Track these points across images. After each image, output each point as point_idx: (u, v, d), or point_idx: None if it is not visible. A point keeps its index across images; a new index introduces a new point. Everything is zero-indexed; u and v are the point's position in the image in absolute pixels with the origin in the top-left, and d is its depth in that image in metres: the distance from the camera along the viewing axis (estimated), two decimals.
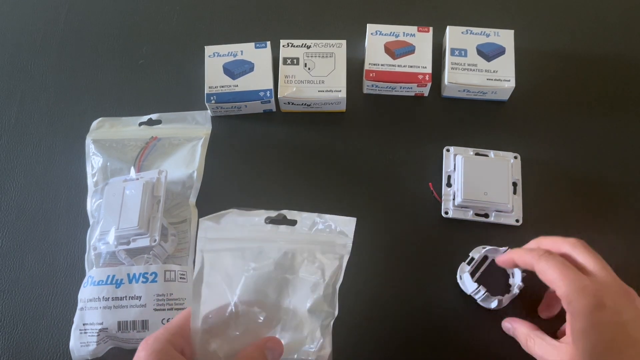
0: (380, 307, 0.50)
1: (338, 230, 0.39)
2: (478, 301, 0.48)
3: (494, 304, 0.48)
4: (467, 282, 0.49)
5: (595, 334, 0.37)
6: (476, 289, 0.48)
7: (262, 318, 0.38)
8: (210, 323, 0.37)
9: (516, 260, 0.44)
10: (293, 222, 0.40)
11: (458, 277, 0.50)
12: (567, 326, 0.39)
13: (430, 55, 0.57)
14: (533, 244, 0.45)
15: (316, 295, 0.39)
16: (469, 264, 0.49)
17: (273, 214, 0.39)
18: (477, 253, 0.50)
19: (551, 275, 0.40)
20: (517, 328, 0.45)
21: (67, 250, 0.52)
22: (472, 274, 0.49)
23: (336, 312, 0.39)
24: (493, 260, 0.49)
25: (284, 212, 0.39)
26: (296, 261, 0.39)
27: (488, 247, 0.49)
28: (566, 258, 0.41)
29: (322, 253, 0.39)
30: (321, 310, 0.39)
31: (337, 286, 0.40)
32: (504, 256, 0.46)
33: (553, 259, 0.40)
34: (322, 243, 0.39)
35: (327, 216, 0.40)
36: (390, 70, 0.56)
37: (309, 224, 0.39)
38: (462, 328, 0.49)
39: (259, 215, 0.39)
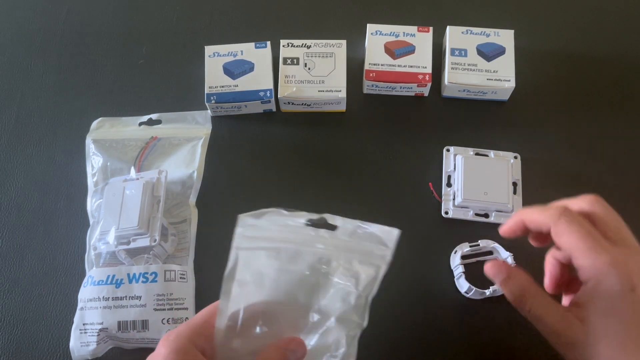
0: (378, 307, 0.50)
1: (378, 240, 0.38)
2: (455, 279, 0.49)
3: (464, 287, 0.48)
4: (457, 257, 0.50)
5: (625, 320, 0.32)
6: (458, 264, 0.49)
7: (289, 320, 0.37)
8: (235, 321, 0.36)
9: (527, 221, 0.37)
10: (333, 227, 0.38)
11: (454, 251, 0.50)
12: (583, 302, 0.34)
13: (430, 55, 0.57)
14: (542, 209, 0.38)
15: (347, 304, 0.37)
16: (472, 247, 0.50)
17: (315, 216, 0.38)
18: (484, 242, 0.50)
19: (573, 241, 0.34)
20: (514, 277, 0.37)
21: (67, 250, 0.52)
22: (468, 257, 0.50)
23: (365, 324, 0.38)
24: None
25: (326, 216, 0.38)
26: (331, 267, 0.37)
27: (496, 245, 0.50)
28: (585, 218, 0.36)
29: (358, 262, 0.37)
30: (350, 320, 0.38)
31: (370, 297, 0.38)
32: (510, 222, 0.39)
33: (577, 222, 0.35)
34: (360, 252, 0.38)
35: (369, 225, 0.38)
36: (390, 70, 0.56)
37: (349, 231, 0.38)
38: (462, 328, 0.49)
39: (300, 217, 0.37)
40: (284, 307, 0.37)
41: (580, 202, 0.37)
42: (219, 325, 0.35)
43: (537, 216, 0.37)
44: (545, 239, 0.39)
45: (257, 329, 0.36)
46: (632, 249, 0.34)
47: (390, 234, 0.38)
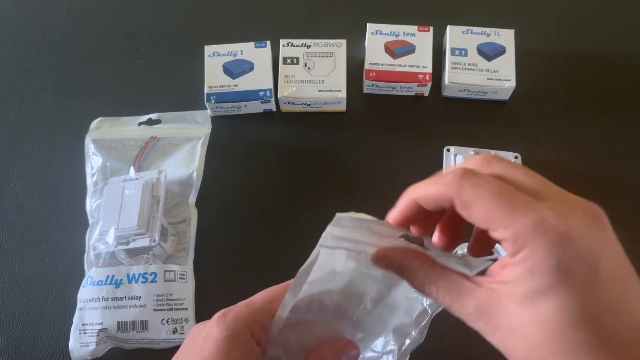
0: None
1: (465, 262, 0.35)
2: None
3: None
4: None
5: (572, 298, 0.23)
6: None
7: (348, 320, 0.36)
8: (296, 315, 0.33)
9: (421, 198, 0.28)
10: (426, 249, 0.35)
11: (454, 251, 0.50)
12: (508, 279, 0.25)
13: (431, 54, 0.57)
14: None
15: (409, 316, 0.37)
16: None
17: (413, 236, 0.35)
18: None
19: (487, 208, 0.25)
20: (407, 263, 0.29)
21: (66, 250, 0.52)
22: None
23: (422, 340, 0.37)
24: None
25: (426, 238, 0.35)
26: None
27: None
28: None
29: None
30: (406, 333, 0.37)
31: (433, 314, 0.37)
32: (400, 204, 0.30)
33: (485, 182, 0.25)
34: None
35: (465, 255, 0.35)
36: (391, 70, 0.56)
37: (438, 253, 0.34)
38: (462, 328, 0.49)
39: (399, 230, 0.34)
40: (347, 307, 0.36)
41: (477, 164, 0.28)
42: (280, 315, 0.32)
43: (432, 189, 0.27)
44: (433, 221, 0.30)
45: (315, 324, 0.35)
46: (567, 201, 0.26)
47: (479, 261, 0.35)
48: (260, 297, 0.32)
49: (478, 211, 0.25)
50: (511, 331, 0.25)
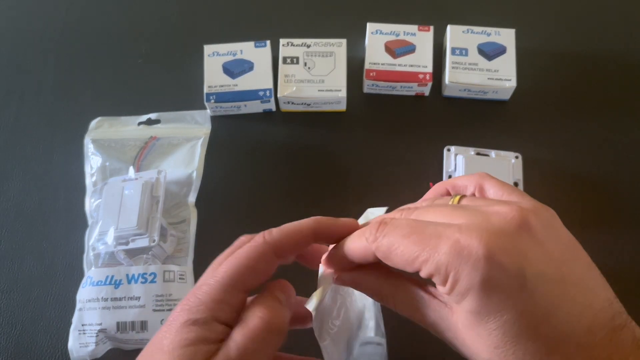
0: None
1: None
2: None
3: None
4: None
5: (507, 311, 0.23)
6: None
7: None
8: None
9: (350, 254, 0.29)
10: None
11: None
12: (452, 311, 0.26)
13: (431, 54, 0.57)
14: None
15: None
16: None
17: None
18: None
19: (403, 253, 0.25)
20: (362, 279, 0.30)
21: (65, 250, 0.52)
22: None
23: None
24: None
25: None
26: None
27: None
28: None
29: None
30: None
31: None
32: (334, 260, 0.30)
33: (396, 226, 0.26)
34: None
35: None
36: (391, 69, 0.56)
37: None
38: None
39: None
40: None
41: (396, 214, 0.29)
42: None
43: (355, 245, 0.28)
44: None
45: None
46: (482, 214, 0.25)
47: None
48: (223, 272, 0.30)
49: (397, 258, 0.26)
50: (464, 345, 0.26)
